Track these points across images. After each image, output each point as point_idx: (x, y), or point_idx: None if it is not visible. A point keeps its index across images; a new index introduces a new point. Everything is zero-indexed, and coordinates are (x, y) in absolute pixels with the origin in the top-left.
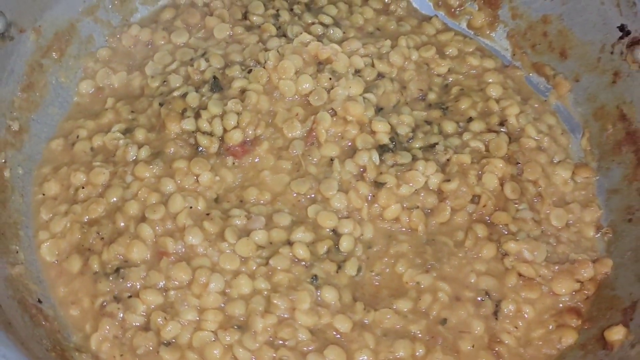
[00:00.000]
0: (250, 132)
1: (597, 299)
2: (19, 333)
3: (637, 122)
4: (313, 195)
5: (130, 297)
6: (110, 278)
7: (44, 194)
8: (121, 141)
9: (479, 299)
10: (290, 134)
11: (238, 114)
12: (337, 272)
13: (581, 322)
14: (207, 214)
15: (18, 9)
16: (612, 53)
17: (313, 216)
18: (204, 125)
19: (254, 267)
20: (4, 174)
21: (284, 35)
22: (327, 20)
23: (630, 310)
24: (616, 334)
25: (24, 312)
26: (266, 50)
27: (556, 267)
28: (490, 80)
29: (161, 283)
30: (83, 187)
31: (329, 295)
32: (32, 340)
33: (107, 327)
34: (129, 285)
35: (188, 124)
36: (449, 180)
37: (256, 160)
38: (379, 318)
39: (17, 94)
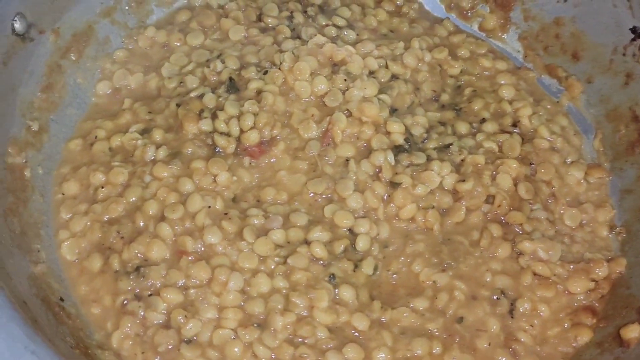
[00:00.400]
0: (266, 133)
1: (612, 298)
2: (45, 330)
3: None
4: (329, 195)
5: (150, 295)
6: (131, 276)
7: (63, 194)
8: (139, 141)
9: (495, 297)
10: (306, 135)
11: (255, 114)
12: (354, 271)
13: (596, 320)
14: (226, 214)
15: (38, 11)
16: (624, 55)
17: (330, 216)
18: (221, 125)
19: (273, 266)
20: (25, 173)
21: (298, 37)
22: (340, 22)
23: None
24: (632, 332)
25: (48, 310)
26: (281, 51)
27: (571, 267)
28: (503, 82)
29: (181, 281)
30: (102, 187)
31: (347, 293)
32: (57, 338)
33: (129, 325)
34: (149, 283)
35: (205, 125)
36: (463, 181)
37: (273, 160)
38: (396, 316)
39: (37, 94)
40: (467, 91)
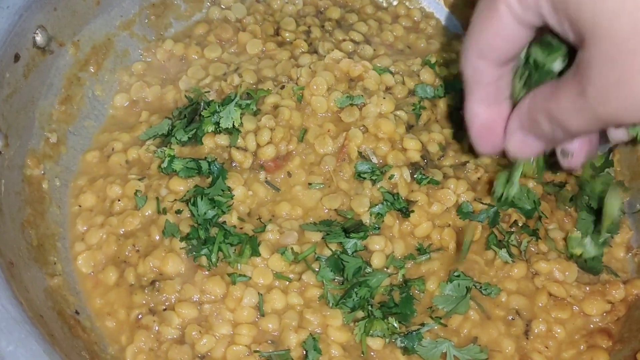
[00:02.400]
0: (282, 148)
1: (628, 320)
2: (61, 344)
3: None
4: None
5: (165, 309)
6: (146, 290)
7: (80, 206)
8: (157, 154)
9: (510, 317)
10: (322, 150)
11: (272, 129)
12: None
13: (612, 343)
14: (241, 228)
15: (59, 24)
16: None
17: None
18: (238, 140)
19: (287, 282)
20: (42, 185)
21: (315, 52)
22: (357, 37)
23: None
24: None
25: (64, 323)
26: (298, 66)
27: (587, 288)
28: None
29: (196, 296)
30: (119, 200)
31: (361, 312)
32: (73, 352)
33: (143, 340)
34: (164, 298)
35: (222, 139)
36: (480, 199)
37: (288, 175)
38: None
39: (56, 106)
40: None
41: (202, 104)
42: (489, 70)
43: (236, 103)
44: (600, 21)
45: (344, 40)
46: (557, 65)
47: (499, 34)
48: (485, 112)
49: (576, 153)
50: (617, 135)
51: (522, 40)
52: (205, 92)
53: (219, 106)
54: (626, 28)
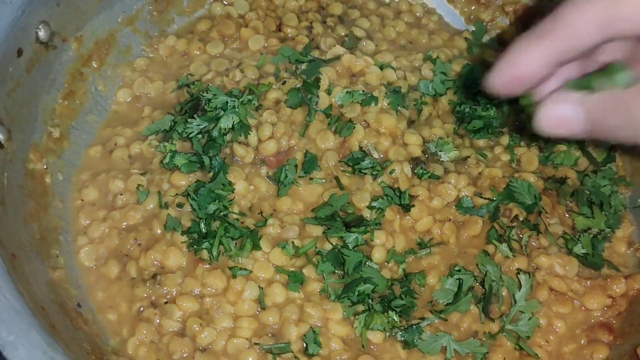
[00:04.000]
0: (284, 143)
1: (629, 315)
2: (62, 335)
3: None
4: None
5: (166, 303)
6: (147, 284)
7: (82, 200)
8: (159, 149)
9: None
10: (323, 145)
11: (273, 124)
12: None
13: (613, 337)
14: (242, 223)
15: (62, 20)
16: None
17: None
18: (240, 135)
19: (288, 276)
20: (45, 179)
21: (317, 48)
22: (359, 33)
23: None
24: None
25: (65, 315)
26: (300, 62)
27: (588, 282)
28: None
29: (197, 290)
30: (121, 194)
31: (362, 305)
32: (74, 344)
33: (144, 332)
34: (165, 291)
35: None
36: (480, 194)
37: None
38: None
39: (59, 101)
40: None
41: (203, 99)
42: (593, 37)
43: (237, 102)
44: None
45: (346, 35)
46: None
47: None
48: (538, 58)
49: None
50: None
51: None
52: (207, 87)
53: (220, 105)
54: None
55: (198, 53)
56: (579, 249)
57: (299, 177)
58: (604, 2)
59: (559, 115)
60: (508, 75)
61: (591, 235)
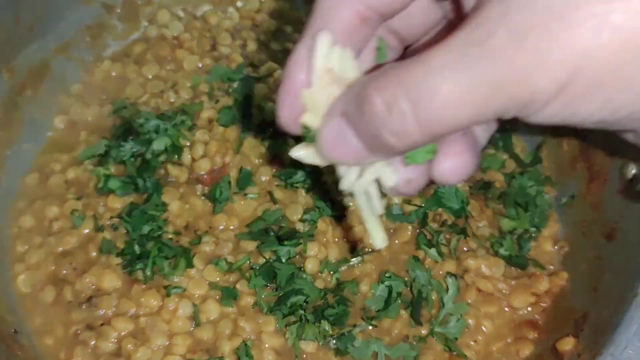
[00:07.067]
0: (218, 161)
1: (553, 311)
2: None
3: (589, 139)
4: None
5: (102, 324)
6: (83, 307)
7: (19, 227)
8: (93, 173)
9: None
10: (257, 161)
11: (205, 143)
12: None
13: (538, 334)
14: (177, 242)
15: None
16: None
17: None
18: (174, 156)
19: (222, 292)
20: None
21: (251, 65)
22: (293, 47)
23: (581, 321)
24: (566, 345)
25: (0, 342)
26: (233, 80)
27: (513, 282)
28: None
29: (132, 310)
30: (57, 220)
31: (294, 316)
32: None
33: (81, 355)
34: (101, 313)
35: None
36: (409, 201)
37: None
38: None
39: None
40: None
41: (135, 123)
42: (351, 15)
43: (169, 125)
44: None
45: (280, 51)
46: None
47: None
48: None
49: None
50: None
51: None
52: (138, 111)
53: (152, 128)
54: None
55: (134, 76)
56: (503, 251)
57: (234, 193)
58: None
59: (329, 134)
60: (289, 106)
61: (516, 236)
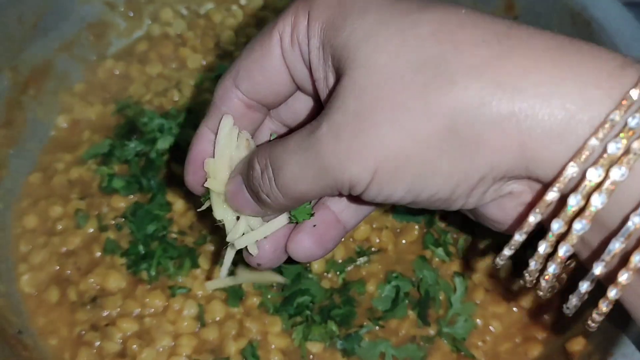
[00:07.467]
0: None
1: (562, 311)
2: None
3: None
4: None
5: (107, 325)
6: (88, 307)
7: (23, 227)
8: (97, 172)
9: None
10: None
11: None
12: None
13: (547, 334)
14: (182, 241)
15: None
16: None
17: None
18: (178, 155)
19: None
20: None
21: None
22: None
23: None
24: (576, 345)
25: (4, 343)
26: None
27: (521, 281)
28: None
29: (137, 310)
30: (61, 219)
31: (300, 317)
32: None
33: (85, 356)
34: (106, 313)
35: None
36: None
37: None
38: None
39: None
40: None
41: (138, 123)
42: (238, 103)
43: (173, 124)
44: (364, 48)
45: None
46: None
47: (263, 68)
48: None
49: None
50: None
51: (285, 88)
52: (142, 110)
53: (156, 127)
54: (384, 58)
55: (137, 74)
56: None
57: None
58: (240, 60)
59: (234, 187)
60: (194, 174)
61: None
